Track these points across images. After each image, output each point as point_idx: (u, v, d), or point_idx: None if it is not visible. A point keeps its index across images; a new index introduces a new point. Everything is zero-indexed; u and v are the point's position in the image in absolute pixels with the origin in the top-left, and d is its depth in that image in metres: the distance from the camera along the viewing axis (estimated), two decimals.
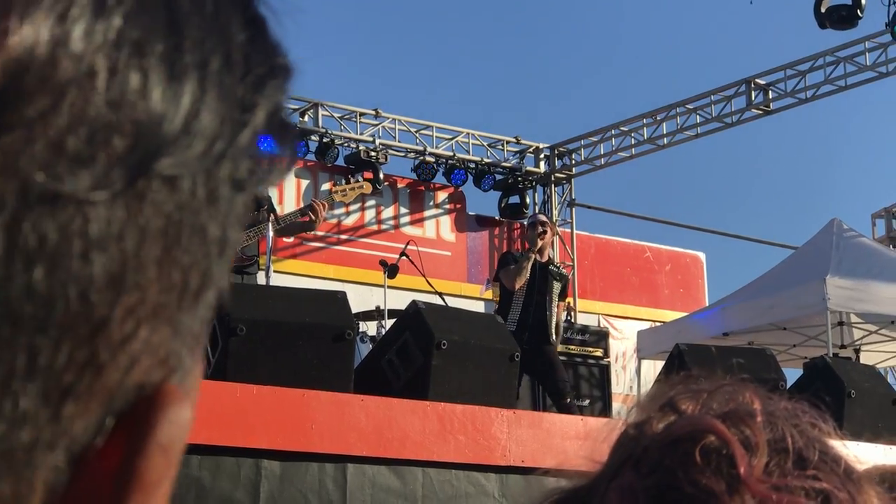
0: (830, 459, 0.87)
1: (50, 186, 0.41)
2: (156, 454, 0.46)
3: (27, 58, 0.40)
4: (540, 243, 11.05)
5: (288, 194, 16.49)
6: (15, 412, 0.41)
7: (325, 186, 16.58)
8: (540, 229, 11.17)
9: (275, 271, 14.65)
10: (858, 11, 14.47)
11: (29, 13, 0.40)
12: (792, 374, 10.64)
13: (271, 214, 8.62)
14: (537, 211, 18.99)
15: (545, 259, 11.21)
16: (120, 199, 0.42)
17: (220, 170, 0.47)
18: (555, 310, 11.06)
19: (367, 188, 10.60)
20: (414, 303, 7.47)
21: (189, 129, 0.44)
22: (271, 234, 8.61)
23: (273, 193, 15.92)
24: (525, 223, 18.77)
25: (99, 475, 0.45)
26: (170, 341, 0.47)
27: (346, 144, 16.91)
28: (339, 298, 7.18)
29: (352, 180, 10.02)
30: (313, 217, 8.94)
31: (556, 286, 11.10)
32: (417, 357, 7.17)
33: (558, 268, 11.59)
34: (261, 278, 8.93)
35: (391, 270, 12.11)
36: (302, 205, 15.31)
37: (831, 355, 12.49)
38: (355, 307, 12.54)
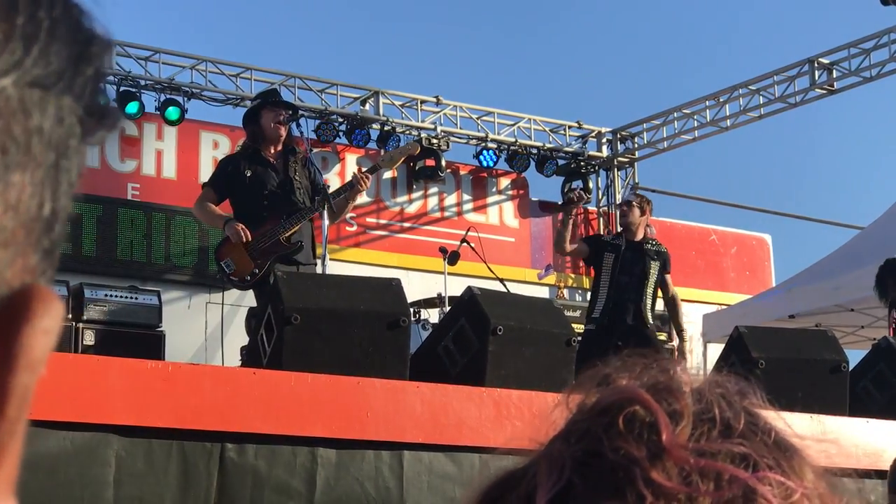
0: (760, 430, 0.87)
1: None
2: (40, 336, 0.57)
3: None
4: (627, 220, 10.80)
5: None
6: None
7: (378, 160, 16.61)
8: (624, 208, 11.02)
9: (339, 260, 14.79)
10: None
11: None
12: (860, 356, 10.52)
13: (326, 202, 8.59)
14: (600, 196, 18.93)
15: (639, 238, 10.81)
16: None
17: (68, 104, 0.59)
18: (650, 291, 10.72)
19: (415, 148, 10.52)
20: (469, 289, 7.46)
21: (47, 52, 0.57)
22: (327, 222, 8.60)
23: (334, 183, 16.01)
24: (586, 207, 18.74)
25: None
26: (34, 249, 0.58)
27: (407, 132, 16.92)
28: (394, 285, 7.19)
29: (397, 149, 9.88)
30: (359, 189, 8.84)
31: (654, 266, 10.75)
32: (473, 343, 7.17)
33: (654, 245, 11.02)
34: (318, 268, 8.90)
35: (452, 257, 12.13)
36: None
37: None
38: (418, 295, 12.66)
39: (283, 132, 8.74)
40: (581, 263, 18.20)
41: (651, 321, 10.64)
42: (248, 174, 8.61)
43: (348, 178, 16.47)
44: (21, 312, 0.57)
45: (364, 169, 9.41)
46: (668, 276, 10.93)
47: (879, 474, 6.07)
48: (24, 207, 0.57)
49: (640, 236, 10.82)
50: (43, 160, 0.58)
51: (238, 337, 11.51)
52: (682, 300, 18.33)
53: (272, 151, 8.73)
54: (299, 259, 8.55)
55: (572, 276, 18.26)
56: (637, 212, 10.83)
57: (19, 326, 0.57)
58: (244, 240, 8.37)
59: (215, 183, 8.81)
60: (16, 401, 0.56)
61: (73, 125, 0.60)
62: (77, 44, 0.59)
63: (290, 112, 8.96)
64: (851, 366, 8.83)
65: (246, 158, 8.77)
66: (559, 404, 0.91)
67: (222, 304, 11.03)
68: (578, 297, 17.84)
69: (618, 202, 18.68)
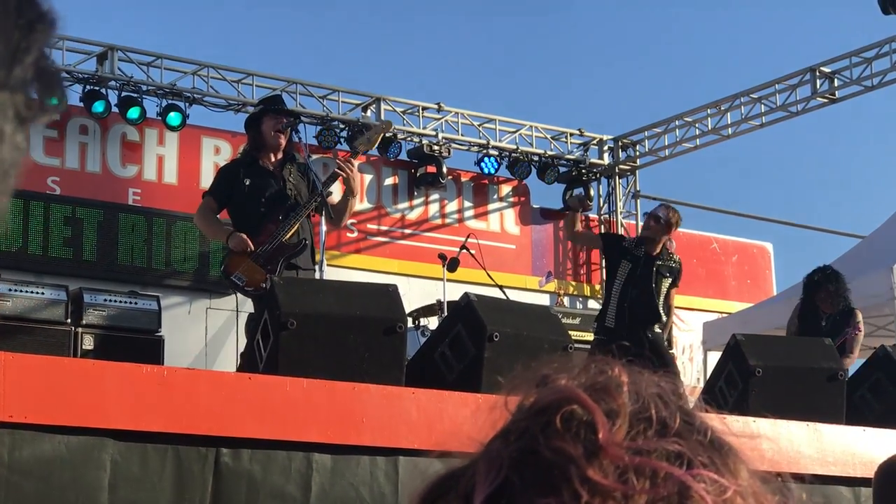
0: (695, 429, 0.88)
1: None
2: None
3: None
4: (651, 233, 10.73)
5: None
6: None
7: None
8: (651, 222, 10.88)
9: (339, 266, 14.81)
10: None
11: None
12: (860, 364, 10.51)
13: (324, 209, 8.60)
14: (601, 203, 18.91)
15: (657, 252, 10.72)
16: None
17: (2, 99, 0.58)
18: (661, 302, 10.62)
19: (388, 125, 10.55)
20: (466, 295, 7.46)
21: None
22: (325, 228, 8.60)
23: (335, 189, 16.04)
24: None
25: None
26: None
27: (408, 139, 16.94)
28: (391, 291, 7.20)
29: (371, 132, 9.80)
30: (345, 175, 8.71)
31: (665, 282, 10.70)
32: (470, 349, 7.18)
33: (670, 260, 10.90)
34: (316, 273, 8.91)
35: (451, 264, 12.14)
36: (351, 191, 15.33)
37: None
38: (419, 301, 12.67)
39: (283, 140, 8.72)
40: (583, 271, 18.24)
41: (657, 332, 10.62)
42: (247, 183, 8.61)
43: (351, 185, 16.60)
44: None
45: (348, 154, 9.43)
46: (673, 290, 10.88)
47: None
48: None
49: (657, 250, 10.77)
50: None
51: (240, 342, 11.53)
52: (684, 308, 18.44)
53: (272, 159, 8.73)
54: (299, 264, 8.55)
55: (573, 283, 18.26)
56: (658, 229, 10.75)
57: None
58: (248, 248, 8.36)
59: (216, 192, 8.79)
60: None
61: (8, 118, 0.59)
62: (16, 33, 0.59)
63: (292, 118, 8.96)
64: (850, 374, 8.84)
65: (245, 167, 8.76)
66: (498, 405, 0.93)
67: (237, 310, 11.04)
68: (579, 305, 17.85)
69: (619, 210, 18.70)
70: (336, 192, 8.79)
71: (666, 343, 11.04)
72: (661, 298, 10.68)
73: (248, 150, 8.97)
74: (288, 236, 8.47)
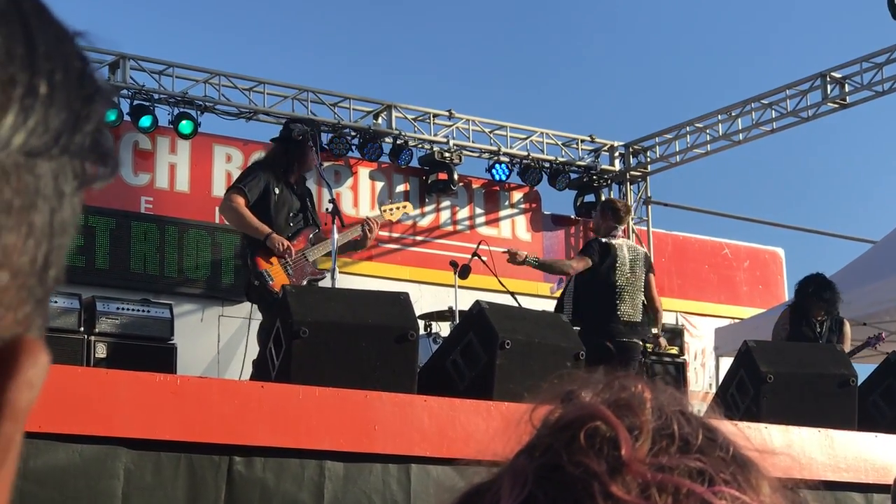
0: (718, 445, 0.89)
1: None
2: (24, 388, 0.60)
3: None
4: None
5: (363, 197, 16.58)
6: None
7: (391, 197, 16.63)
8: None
9: (351, 273, 14.81)
10: None
11: None
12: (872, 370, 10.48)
13: (336, 218, 8.69)
14: None
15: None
16: None
17: (64, 162, 0.61)
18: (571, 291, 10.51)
19: (410, 209, 10.80)
20: (477, 302, 7.47)
21: (45, 121, 0.59)
22: (336, 237, 8.66)
23: (347, 196, 16.07)
24: None
25: None
26: (25, 302, 0.61)
27: (420, 146, 16.95)
28: (402, 299, 7.21)
29: (397, 202, 10.32)
30: (368, 234, 9.01)
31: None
32: (481, 357, 7.18)
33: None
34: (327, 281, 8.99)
35: (463, 271, 12.12)
36: (370, 213, 15.39)
37: None
38: (431, 308, 12.67)
39: None
40: None
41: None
42: (277, 192, 8.75)
43: (359, 191, 16.67)
44: (7, 365, 0.60)
45: (374, 217, 9.65)
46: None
47: (887, 489, 6.06)
48: (16, 266, 0.60)
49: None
50: (36, 219, 0.60)
51: (253, 350, 11.54)
52: (695, 313, 18.43)
53: (296, 178, 8.96)
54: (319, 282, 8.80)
55: None
56: (595, 217, 11.01)
57: (5, 379, 0.60)
58: (291, 256, 8.53)
59: (247, 189, 8.80)
60: None
61: (68, 180, 0.62)
62: (77, 103, 0.62)
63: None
64: (862, 380, 8.82)
65: (276, 177, 8.88)
66: (522, 420, 0.93)
67: (249, 318, 11.05)
68: None
69: (631, 216, 18.69)
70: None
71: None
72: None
73: (278, 162, 9.02)
74: (313, 258, 8.68)
